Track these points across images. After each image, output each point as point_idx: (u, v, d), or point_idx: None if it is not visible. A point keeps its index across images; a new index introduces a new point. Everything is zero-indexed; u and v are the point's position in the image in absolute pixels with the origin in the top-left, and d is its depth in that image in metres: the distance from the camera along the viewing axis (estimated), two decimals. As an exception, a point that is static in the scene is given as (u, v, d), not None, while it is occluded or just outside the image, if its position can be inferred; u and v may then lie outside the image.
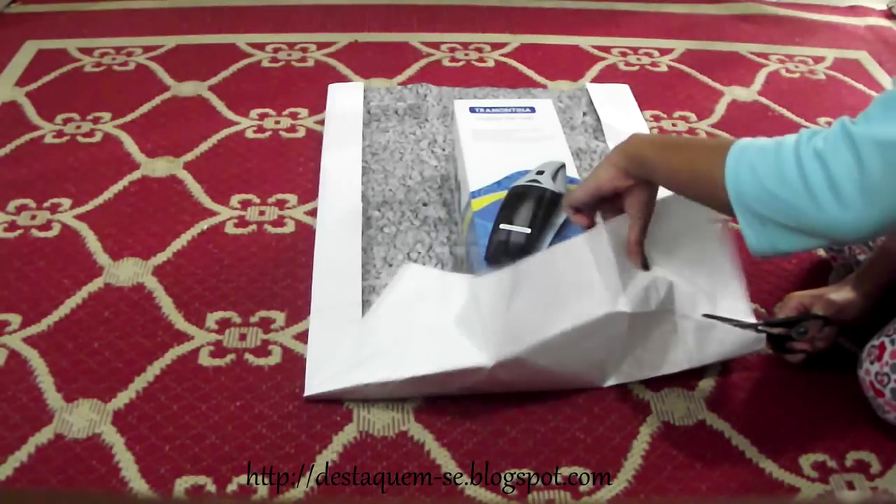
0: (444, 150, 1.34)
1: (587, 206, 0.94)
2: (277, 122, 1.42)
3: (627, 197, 0.91)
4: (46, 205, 1.22)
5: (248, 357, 1.00)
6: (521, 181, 1.04)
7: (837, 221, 0.73)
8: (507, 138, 1.15)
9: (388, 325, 0.97)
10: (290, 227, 1.20)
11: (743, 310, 0.96)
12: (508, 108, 1.21)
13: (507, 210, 1.01)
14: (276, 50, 1.63)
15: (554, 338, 0.90)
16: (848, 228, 0.73)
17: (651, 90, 1.55)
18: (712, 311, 0.94)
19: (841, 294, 0.97)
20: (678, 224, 0.98)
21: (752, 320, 0.95)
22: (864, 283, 0.98)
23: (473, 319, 0.93)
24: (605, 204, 0.94)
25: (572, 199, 0.95)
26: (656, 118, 1.47)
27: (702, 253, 0.99)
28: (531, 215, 0.99)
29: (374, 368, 0.93)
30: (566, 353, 0.92)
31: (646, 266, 0.94)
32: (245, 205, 1.24)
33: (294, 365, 0.99)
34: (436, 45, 1.67)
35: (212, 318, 1.05)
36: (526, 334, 0.90)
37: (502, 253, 0.97)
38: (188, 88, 1.51)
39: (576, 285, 0.92)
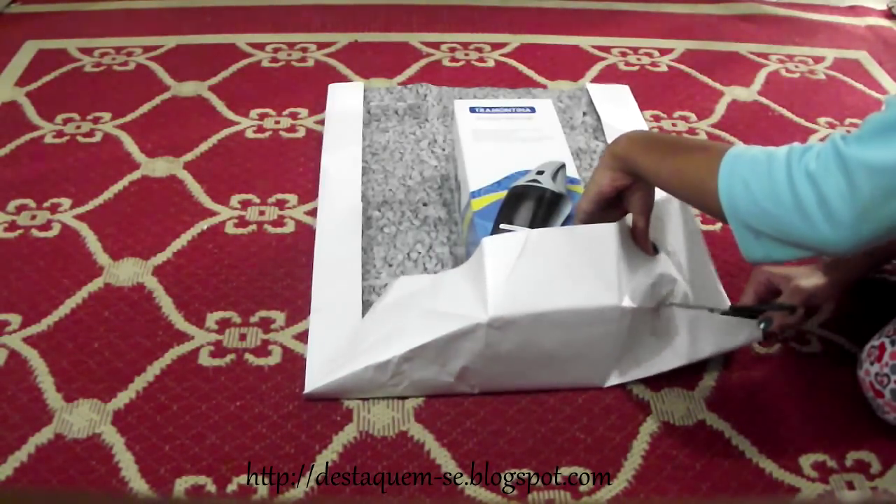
0: (444, 150, 1.34)
1: (593, 216, 0.95)
2: (277, 122, 1.42)
3: (629, 196, 0.93)
4: (46, 205, 1.22)
5: (248, 357, 1.00)
6: (521, 181, 1.04)
7: (829, 239, 0.74)
8: (507, 138, 1.15)
9: (384, 320, 0.97)
10: (290, 227, 1.20)
11: (722, 302, 0.98)
12: (508, 108, 1.21)
13: (506, 210, 1.01)
14: (276, 50, 1.63)
15: (555, 312, 0.90)
16: (839, 245, 0.75)
17: (651, 90, 1.55)
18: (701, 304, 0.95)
19: (811, 280, 0.97)
20: (665, 224, 1.02)
21: (724, 306, 0.96)
22: (836, 269, 0.97)
23: (474, 273, 0.93)
24: (610, 211, 0.95)
25: (580, 211, 0.96)
26: (656, 118, 1.47)
27: (687, 251, 1.02)
28: (531, 215, 1.00)
29: (373, 353, 0.93)
30: (565, 336, 0.92)
31: (655, 250, 0.96)
32: (245, 205, 1.24)
33: (294, 365, 0.99)
34: (436, 45, 1.67)
35: (212, 318, 1.05)
36: (527, 299, 0.90)
37: (502, 253, 0.97)
38: (188, 88, 1.51)
39: (591, 270, 0.92)
